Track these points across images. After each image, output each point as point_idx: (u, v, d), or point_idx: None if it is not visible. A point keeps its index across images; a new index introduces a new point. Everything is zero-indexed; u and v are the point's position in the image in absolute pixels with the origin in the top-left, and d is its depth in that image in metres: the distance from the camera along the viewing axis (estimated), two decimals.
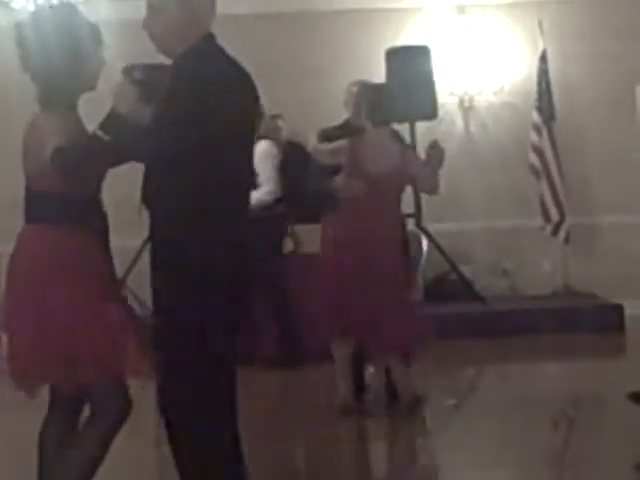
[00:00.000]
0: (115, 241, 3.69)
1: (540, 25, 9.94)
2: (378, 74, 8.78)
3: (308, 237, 8.91)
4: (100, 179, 3.59)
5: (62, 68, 3.47)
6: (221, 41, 3.44)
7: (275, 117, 8.64)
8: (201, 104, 3.15)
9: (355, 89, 6.68)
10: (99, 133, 3.31)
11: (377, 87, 6.66)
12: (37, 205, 3.55)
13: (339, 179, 6.10)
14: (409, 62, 9.36)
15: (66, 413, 3.65)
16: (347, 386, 6.17)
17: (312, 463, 5.67)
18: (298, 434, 6.01)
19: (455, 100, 10.39)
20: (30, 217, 3.58)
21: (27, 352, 3.46)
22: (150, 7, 3.37)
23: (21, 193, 3.61)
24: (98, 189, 3.61)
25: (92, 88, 3.59)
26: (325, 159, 6.27)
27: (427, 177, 6.08)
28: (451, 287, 9.70)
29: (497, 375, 7.86)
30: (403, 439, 5.99)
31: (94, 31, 3.57)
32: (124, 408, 3.53)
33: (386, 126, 6.28)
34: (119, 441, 3.59)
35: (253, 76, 3.39)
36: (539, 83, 10.04)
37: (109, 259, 3.64)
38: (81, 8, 3.62)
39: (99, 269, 3.55)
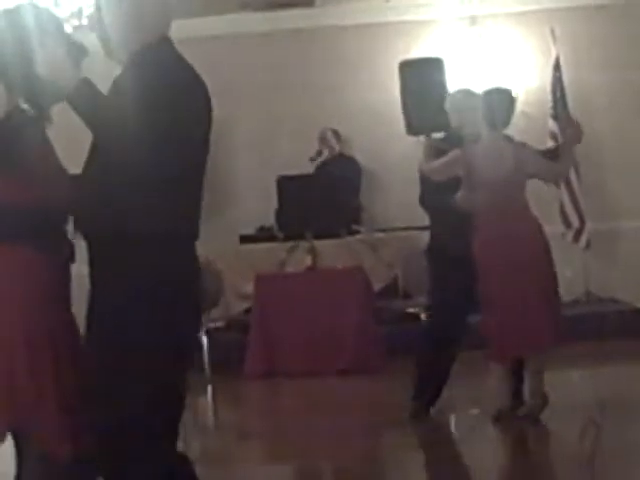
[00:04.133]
0: None
1: (552, 33, 9.94)
2: (392, 87, 8.79)
3: (326, 252, 8.97)
4: (53, 191, 3.18)
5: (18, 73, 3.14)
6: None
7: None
8: (159, 112, 2.92)
9: (459, 97, 6.64)
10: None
11: (493, 93, 6.52)
12: None
13: (460, 194, 6.02)
14: (423, 74, 9.35)
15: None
16: (507, 395, 6.13)
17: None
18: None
19: None
20: None
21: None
22: (97, 8, 3.19)
23: None
24: (51, 205, 3.18)
25: (59, 100, 3.15)
26: (440, 175, 6.15)
27: (548, 170, 6.14)
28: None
29: None
30: (428, 448, 6.00)
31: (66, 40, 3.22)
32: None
33: (501, 130, 6.26)
34: None
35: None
36: (553, 91, 10.03)
37: (64, 285, 3.26)
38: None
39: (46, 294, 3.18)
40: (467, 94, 6.67)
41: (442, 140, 6.63)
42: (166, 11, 3.24)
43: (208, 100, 3.16)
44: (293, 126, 9.62)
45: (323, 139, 10.07)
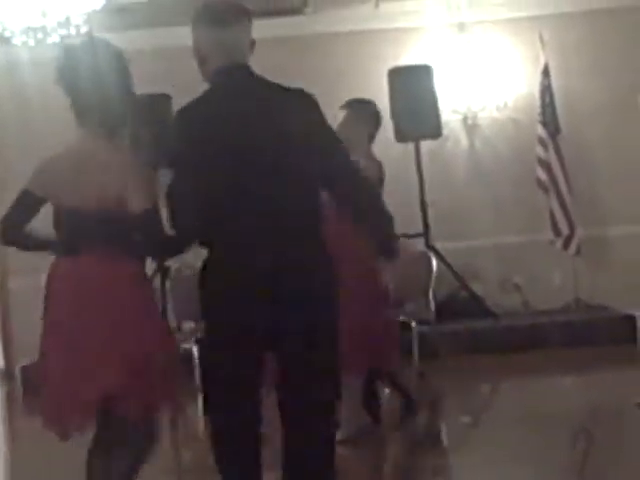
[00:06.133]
0: None
1: (541, 39, 9.96)
2: (381, 94, 8.80)
3: None
4: None
5: (116, 101, 3.55)
6: None
7: None
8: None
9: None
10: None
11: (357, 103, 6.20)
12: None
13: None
14: (412, 81, 9.40)
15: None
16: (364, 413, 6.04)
17: None
18: None
19: (459, 118, 10.41)
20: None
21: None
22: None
23: None
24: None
25: (125, 123, 3.64)
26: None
27: None
28: (462, 304, 9.68)
29: (511, 391, 7.84)
30: (419, 457, 5.98)
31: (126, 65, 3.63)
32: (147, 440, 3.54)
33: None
34: None
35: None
36: (542, 97, 10.05)
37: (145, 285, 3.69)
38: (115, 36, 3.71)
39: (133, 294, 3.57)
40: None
41: None
42: (219, 50, 3.89)
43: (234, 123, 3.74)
44: None
45: None
